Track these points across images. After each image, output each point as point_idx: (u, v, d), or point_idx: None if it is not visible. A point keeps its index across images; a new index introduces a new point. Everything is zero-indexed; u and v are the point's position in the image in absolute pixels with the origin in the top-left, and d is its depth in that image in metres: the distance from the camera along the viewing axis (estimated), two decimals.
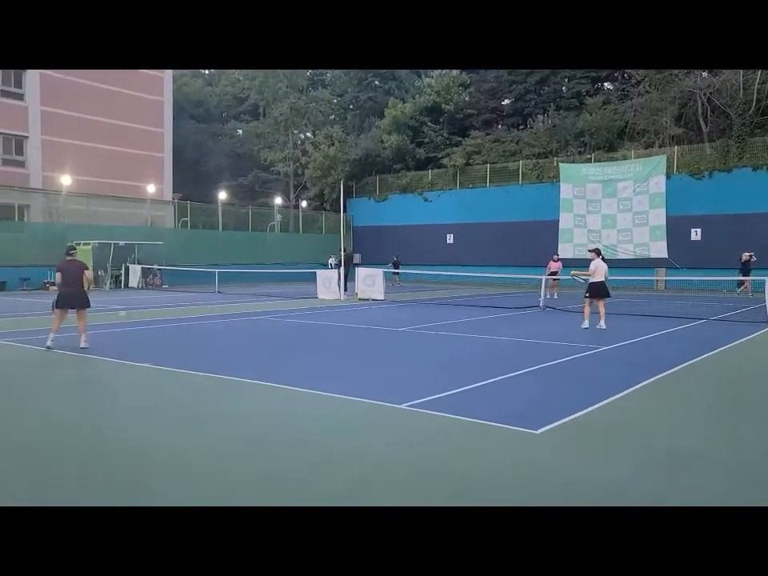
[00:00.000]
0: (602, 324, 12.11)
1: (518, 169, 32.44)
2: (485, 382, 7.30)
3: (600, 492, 4.03)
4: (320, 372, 8.01)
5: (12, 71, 28.42)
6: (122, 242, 25.16)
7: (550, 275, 20.44)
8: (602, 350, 9.84)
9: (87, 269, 9.70)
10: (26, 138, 28.87)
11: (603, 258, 12.63)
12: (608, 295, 12.46)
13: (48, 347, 9.30)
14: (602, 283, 12.27)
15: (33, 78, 28.82)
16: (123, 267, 25.32)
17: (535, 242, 29.04)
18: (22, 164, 28.96)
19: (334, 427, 5.51)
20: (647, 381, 7.48)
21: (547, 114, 34.02)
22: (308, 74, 43.86)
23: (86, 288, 9.63)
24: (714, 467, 4.55)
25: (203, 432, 5.31)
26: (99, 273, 24.45)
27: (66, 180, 26.58)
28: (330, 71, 46.65)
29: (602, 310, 12.28)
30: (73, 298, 9.49)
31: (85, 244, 24.28)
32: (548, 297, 18.45)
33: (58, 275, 9.67)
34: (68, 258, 9.67)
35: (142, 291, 23.76)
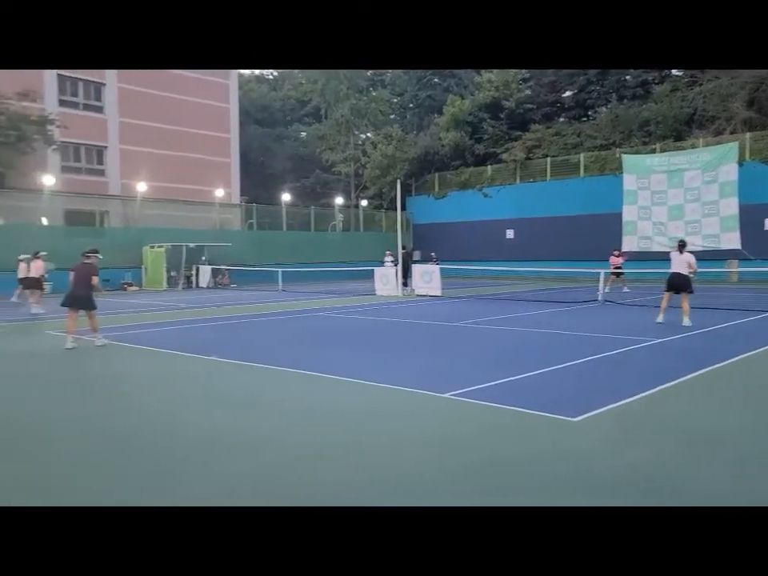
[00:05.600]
0: (686, 321, 11.35)
1: (580, 161, 31.88)
2: (531, 373, 7.51)
3: (617, 477, 4.24)
4: (370, 363, 8.44)
5: (92, 86, 30.39)
6: (192, 244, 26.46)
7: (613, 271, 20.15)
8: (657, 342, 9.80)
9: (95, 274, 9.83)
10: (105, 147, 30.80)
11: (681, 251, 11.93)
12: (684, 289, 11.62)
13: (68, 349, 9.51)
14: (675, 275, 11.69)
15: (111, 91, 30.70)
16: (194, 268, 26.62)
17: (598, 235, 28.48)
18: (102, 173, 30.93)
19: (377, 414, 5.91)
20: (697, 372, 7.48)
21: (610, 105, 33.24)
22: (368, 74, 44.44)
23: (94, 292, 9.85)
24: (744, 459, 4.65)
25: (262, 415, 5.83)
26: (172, 273, 25.85)
27: (141, 186, 28.20)
28: (389, 71, 47.08)
29: (685, 306, 11.56)
30: (77, 300, 9.77)
31: (158, 246, 25.76)
32: (607, 290, 18.22)
33: (70, 275, 9.92)
34: (83, 260, 9.91)
35: (212, 290, 24.94)
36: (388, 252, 26.15)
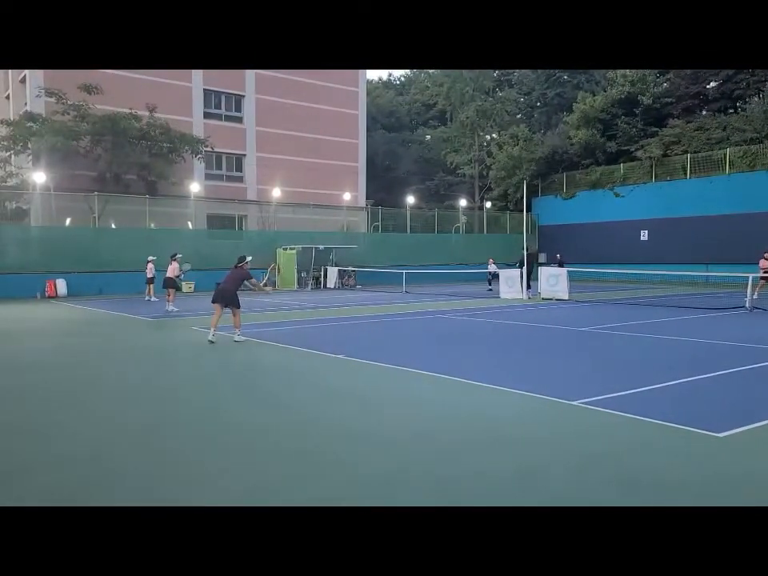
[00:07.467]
0: None
1: (725, 157, 29.42)
2: (667, 384, 7.11)
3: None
4: (495, 367, 8.39)
5: (233, 98, 32.70)
6: (321, 246, 27.61)
7: (763, 275, 18.37)
8: None
9: (250, 278, 11.04)
10: (244, 156, 33.00)
11: None
12: None
13: (210, 341, 10.47)
14: None
15: (249, 102, 32.87)
16: (322, 269, 27.75)
17: (745, 236, 26.17)
18: (240, 179, 33.19)
19: (506, 419, 5.88)
20: None
21: (762, 94, 30.36)
22: (494, 74, 43.96)
23: (255, 289, 11.07)
24: None
25: (382, 414, 6.03)
26: (302, 274, 27.14)
27: (276, 192, 29.89)
28: (517, 70, 46.26)
29: None
30: (224, 297, 10.72)
31: (290, 248, 27.15)
32: (755, 297, 16.68)
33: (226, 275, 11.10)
34: (236, 265, 10.98)
35: (338, 291, 25.86)
36: (490, 259, 25.76)
